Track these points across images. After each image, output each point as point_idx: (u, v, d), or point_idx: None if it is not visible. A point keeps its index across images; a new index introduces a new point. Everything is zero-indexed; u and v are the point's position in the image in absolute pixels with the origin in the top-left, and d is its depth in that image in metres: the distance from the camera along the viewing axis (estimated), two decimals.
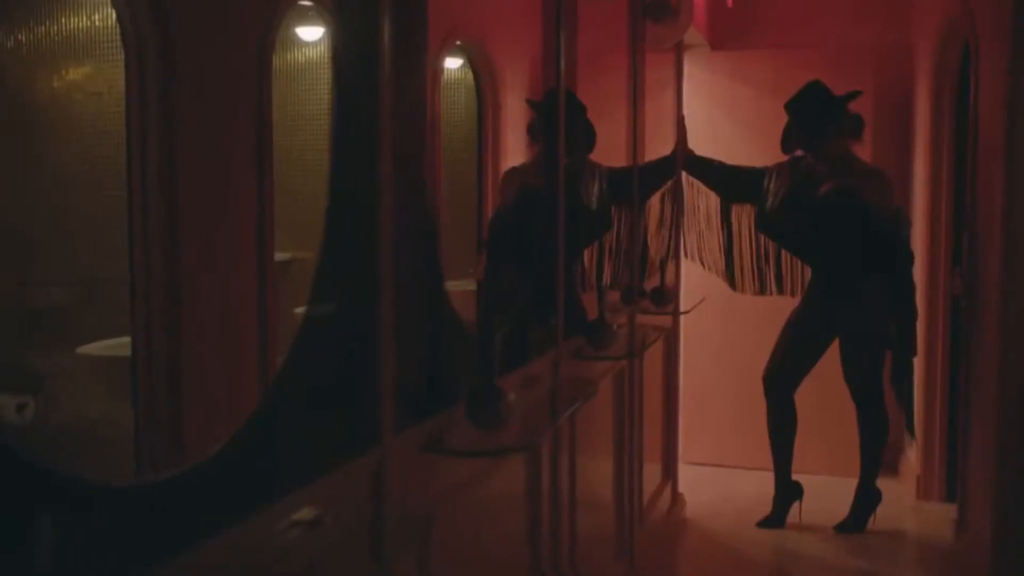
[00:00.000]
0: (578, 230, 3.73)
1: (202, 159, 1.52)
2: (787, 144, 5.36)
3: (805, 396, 5.57)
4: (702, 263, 5.85)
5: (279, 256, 1.74)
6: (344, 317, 1.85)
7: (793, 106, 5.31)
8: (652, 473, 4.97)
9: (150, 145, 1.41)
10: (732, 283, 5.83)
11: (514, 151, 3.06)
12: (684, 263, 5.85)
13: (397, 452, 1.94)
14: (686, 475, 6.07)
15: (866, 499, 5.49)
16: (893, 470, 6.28)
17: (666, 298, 4.65)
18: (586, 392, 3.02)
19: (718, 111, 6.49)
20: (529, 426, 2.50)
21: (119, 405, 1.49)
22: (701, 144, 5.68)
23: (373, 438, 1.89)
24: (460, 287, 2.65)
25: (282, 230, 1.73)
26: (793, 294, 5.67)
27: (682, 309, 5.47)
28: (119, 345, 1.44)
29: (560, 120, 3.16)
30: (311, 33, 1.88)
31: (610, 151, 4.14)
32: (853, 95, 5.30)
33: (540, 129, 3.17)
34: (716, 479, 6.45)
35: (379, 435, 1.90)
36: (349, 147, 1.83)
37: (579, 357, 3.34)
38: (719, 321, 6.46)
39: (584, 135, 3.70)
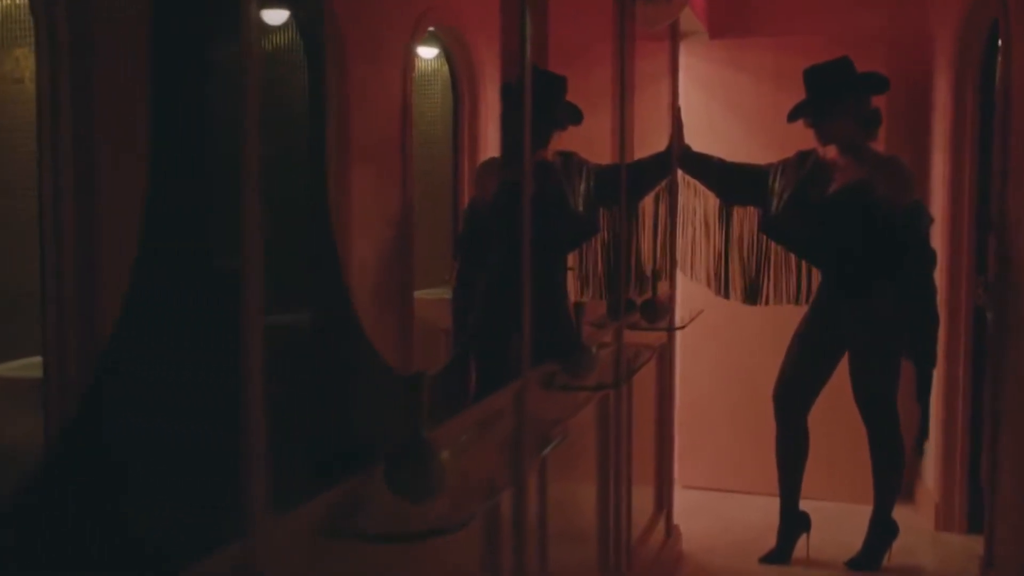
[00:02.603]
0: (561, 233, 3.61)
1: (127, 157, 1.37)
2: (794, 113, 5.16)
3: (813, 412, 5.34)
4: (690, 274, 5.65)
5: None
6: (184, 356, 1.41)
7: (811, 73, 5.13)
8: (643, 505, 4.73)
9: (63, 141, 1.29)
10: (725, 292, 5.63)
11: (494, 149, 2.91)
12: (678, 272, 5.62)
13: (278, 540, 1.51)
14: (682, 501, 5.87)
15: (881, 532, 5.26)
16: (909, 496, 6.09)
17: (659, 312, 4.36)
18: (556, 435, 2.69)
19: (717, 104, 6.34)
20: (476, 487, 2.08)
21: (33, 431, 1.38)
22: (698, 139, 5.50)
23: (239, 525, 1.43)
24: (435, 295, 2.60)
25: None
26: (800, 302, 5.49)
27: (678, 323, 5.21)
28: (31, 365, 1.35)
29: (526, 102, 2.86)
30: (276, 16, 1.79)
31: (597, 147, 3.95)
32: (878, 82, 5.11)
33: (506, 115, 2.96)
34: (714, 506, 6.27)
35: (246, 520, 1.44)
36: (178, 136, 1.46)
37: (552, 387, 2.99)
38: (718, 333, 6.29)
39: (567, 115, 3.52)
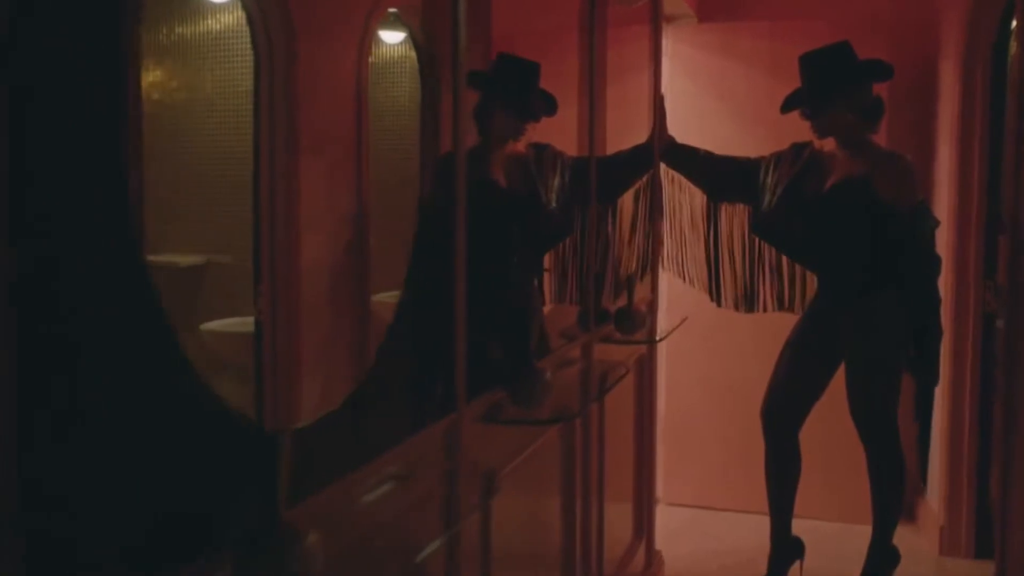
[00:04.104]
0: (533, 232, 3.45)
1: (42, 147, 1.21)
2: (788, 103, 4.89)
3: (808, 425, 5.11)
4: (683, 276, 5.39)
5: (188, 260, 1.70)
6: None
7: (807, 60, 4.87)
8: (620, 531, 4.45)
9: None
10: (718, 298, 5.36)
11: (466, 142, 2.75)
12: (663, 276, 5.42)
13: None
14: (666, 520, 5.70)
15: (881, 560, 4.97)
16: (911, 517, 5.89)
17: (635, 322, 4.01)
18: (503, 480, 2.33)
19: (706, 93, 6.15)
20: (382, 563, 1.68)
21: None
22: (685, 131, 5.29)
23: None
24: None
25: (194, 229, 1.72)
26: (794, 310, 5.24)
27: (659, 333, 4.92)
28: None
29: (457, 90, 2.55)
30: None
31: (565, 139, 3.71)
32: (881, 69, 4.84)
33: (478, 106, 2.86)
34: (701, 525, 6.06)
35: None
36: None
37: (497, 421, 2.61)
38: (706, 340, 6.11)
39: (540, 105, 3.36)
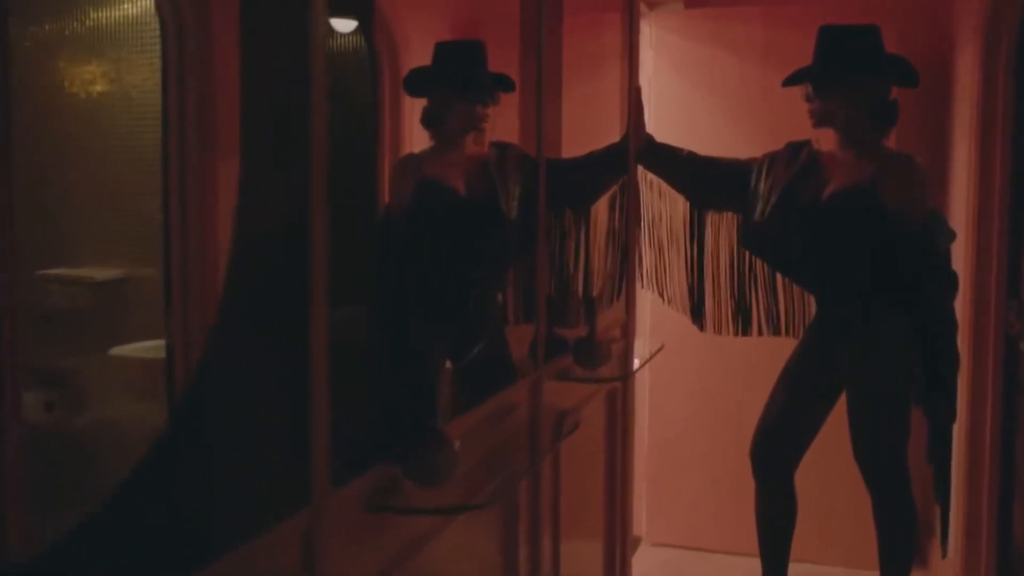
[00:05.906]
0: (492, 244, 3.26)
1: None
2: (793, 77, 4.60)
3: (806, 455, 4.88)
4: (661, 294, 5.11)
5: (105, 274, 1.65)
6: None
7: (829, 33, 4.56)
8: None
9: None
10: (700, 321, 5.07)
11: (420, 142, 2.73)
12: (644, 295, 5.13)
13: None
14: (647, 564, 5.56)
15: None
16: (922, 562, 5.58)
17: (598, 354, 3.58)
18: None
19: (694, 85, 5.93)
20: None
21: None
22: (671, 130, 5.14)
23: None
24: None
25: (114, 239, 1.68)
26: (791, 334, 4.97)
27: (637, 360, 4.53)
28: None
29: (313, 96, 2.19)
30: None
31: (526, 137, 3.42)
32: (906, 71, 4.51)
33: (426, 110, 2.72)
34: (687, 569, 5.85)
35: None
36: None
37: (384, 510, 2.08)
38: (695, 364, 5.90)
39: (494, 85, 3.16)
